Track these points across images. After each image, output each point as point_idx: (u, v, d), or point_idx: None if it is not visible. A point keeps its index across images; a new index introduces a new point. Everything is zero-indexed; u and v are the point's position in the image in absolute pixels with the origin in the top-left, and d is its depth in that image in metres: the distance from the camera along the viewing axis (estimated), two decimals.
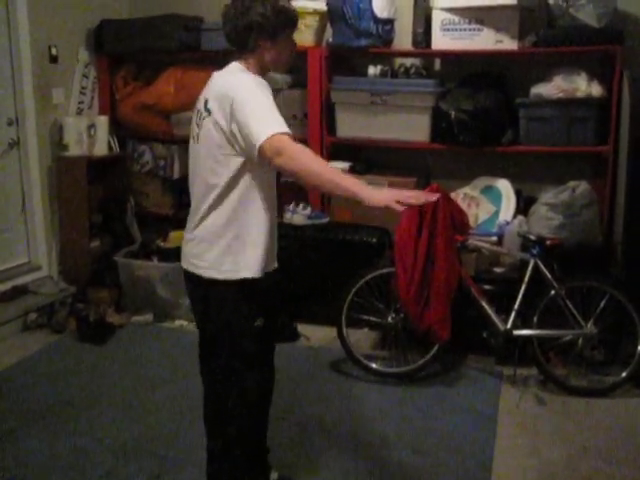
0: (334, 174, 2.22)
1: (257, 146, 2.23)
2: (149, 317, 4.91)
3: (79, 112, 5.31)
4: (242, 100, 2.29)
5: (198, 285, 2.57)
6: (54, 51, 5.02)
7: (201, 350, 2.81)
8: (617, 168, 4.37)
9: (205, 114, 2.42)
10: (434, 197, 2.22)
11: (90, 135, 5.12)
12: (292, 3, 2.67)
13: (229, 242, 2.46)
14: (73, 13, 5.19)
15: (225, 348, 2.60)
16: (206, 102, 2.43)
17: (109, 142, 5.33)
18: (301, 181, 2.25)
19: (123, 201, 5.42)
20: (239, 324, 2.54)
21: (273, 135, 2.21)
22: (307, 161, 2.21)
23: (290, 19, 2.49)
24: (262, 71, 2.50)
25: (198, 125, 2.48)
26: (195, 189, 2.55)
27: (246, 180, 2.41)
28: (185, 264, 2.62)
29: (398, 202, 2.11)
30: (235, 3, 2.44)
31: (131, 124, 5.50)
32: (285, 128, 2.24)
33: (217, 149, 2.39)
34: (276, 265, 2.65)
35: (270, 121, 2.25)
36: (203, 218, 2.49)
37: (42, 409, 3.71)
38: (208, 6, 5.35)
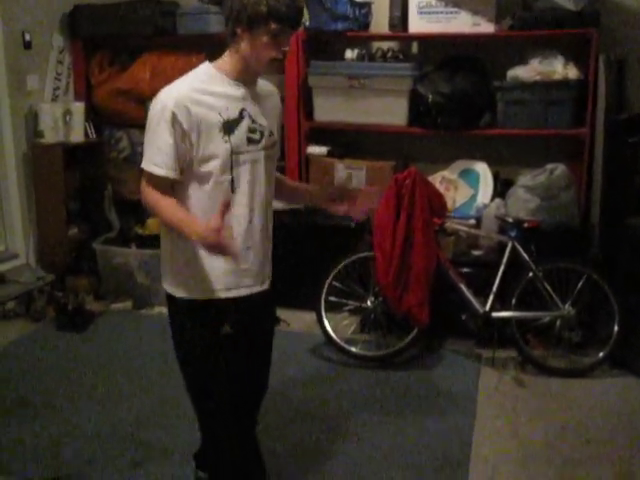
0: (167, 215, 2.24)
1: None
2: (128, 304, 4.90)
3: (54, 98, 5.25)
4: (148, 118, 2.27)
5: None
6: (28, 37, 4.93)
7: None
8: (594, 150, 4.39)
9: None
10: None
11: (66, 122, 5.06)
12: None
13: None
14: None
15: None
16: None
17: (85, 128, 5.27)
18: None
19: (101, 188, 5.37)
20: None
21: (146, 171, 2.25)
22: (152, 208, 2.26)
23: (272, 14, 2.14)
24: (243, 67, 2.26)
25: None
26: None
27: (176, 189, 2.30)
28: None
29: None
30: None
31: (107, 110, 5.45)
32: (156, 168, 2.21)
33: None
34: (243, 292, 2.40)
35: (149, 155, 2.25)
36: None
37: (21, 398, 3.69)
38: None
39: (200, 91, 2.22)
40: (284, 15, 2.17)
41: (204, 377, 2.41)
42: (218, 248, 2.09)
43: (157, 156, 2.20)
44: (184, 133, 2.18)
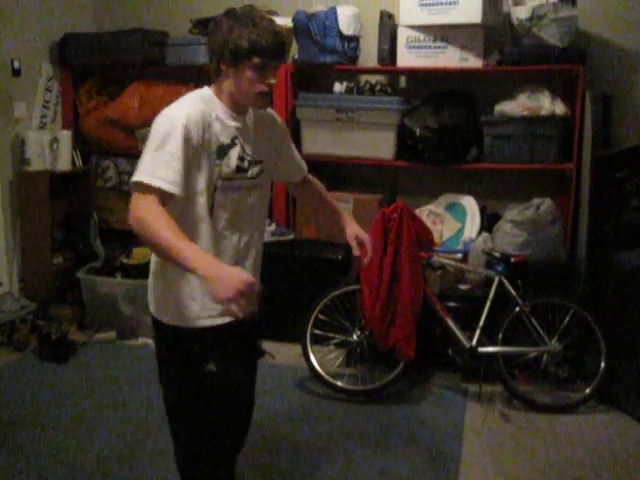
0: (169, 240, 1.96)
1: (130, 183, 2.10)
2: (112, 335, 4.84)
3: (42, 126, 5.24)
4: (151, 132, 2.15)
5: None
6: (16, 64, 4.94)
7: None
8: (580, 185, 4.41)
9: None
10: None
11: (53, 150, 5.05)
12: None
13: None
14: (36, 26, 5.11)
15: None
16: None
17: (72, 157, 5.26)
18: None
19: (86, 217, 5.34)
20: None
21: (139, 183, 2.05)
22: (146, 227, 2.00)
23: (254, 48, 2.16)
24: (232, 101, 2.27)
25: None
26: None
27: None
28: None
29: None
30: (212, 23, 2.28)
31: (95, 139, 5.43)
32: (161, 182, 2.05)
33: None
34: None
35: (149, 168, 2.07)
36: None
37: (2, 429, 3.63)
38: (173, 21, 5.33)
39: (205, 112, 2.21)
40: (266, 48, 2.19)
41: (185, 415, 2.37)
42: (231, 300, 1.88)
43: (163, 170, 2.06)
44: (192, 149, 2.14)
